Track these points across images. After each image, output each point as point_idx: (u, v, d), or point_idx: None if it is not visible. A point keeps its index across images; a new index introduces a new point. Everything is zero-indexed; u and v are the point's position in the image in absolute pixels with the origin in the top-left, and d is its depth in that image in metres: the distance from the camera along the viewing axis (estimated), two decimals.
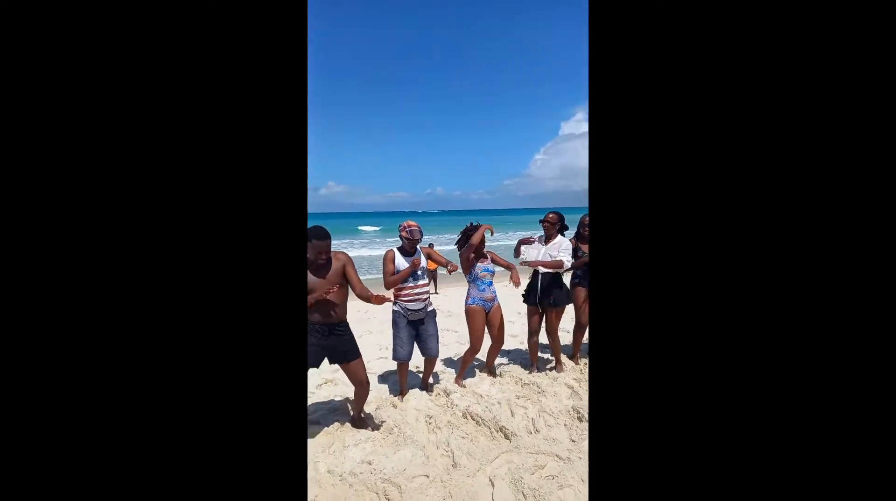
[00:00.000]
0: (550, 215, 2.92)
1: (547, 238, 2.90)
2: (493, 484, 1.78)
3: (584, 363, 3.17)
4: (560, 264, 2.80)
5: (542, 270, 2.86)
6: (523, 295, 3.00)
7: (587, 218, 3.10)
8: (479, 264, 2.77)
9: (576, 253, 3.03)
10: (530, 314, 2.99)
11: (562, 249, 2.84)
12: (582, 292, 3.11)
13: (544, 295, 2.88)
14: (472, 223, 2.85)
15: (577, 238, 3.18)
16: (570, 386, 2.71)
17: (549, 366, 3.13)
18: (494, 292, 2.82)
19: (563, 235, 2.96)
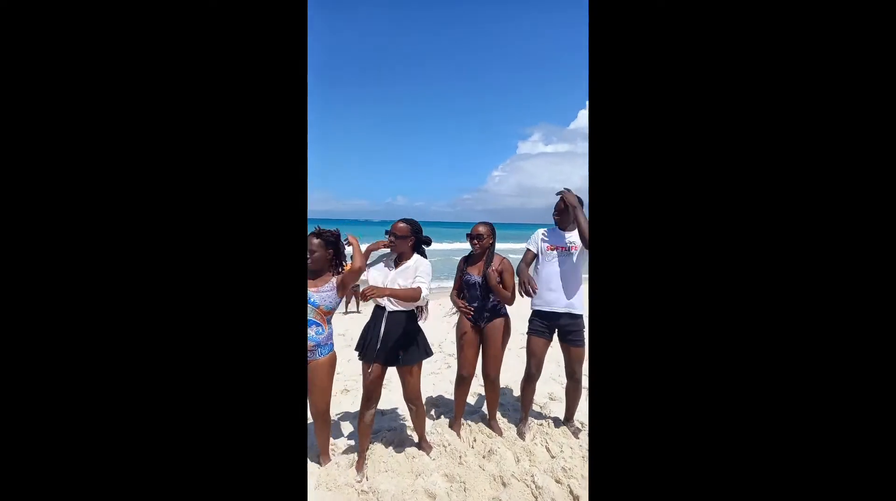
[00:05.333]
0: (400, 224, 1.97)
1: (398, 258, 2.01)
2: None
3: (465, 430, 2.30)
4: (415, 294, 1.89)
5: (387, 304, 1.99)
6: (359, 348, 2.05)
7: (479, 227, 2.26)
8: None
9: (468, 279, 2.22)
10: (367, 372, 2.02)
11: (419, 273, 1.95)
12: (472, 337, 2.27)
13: (389, 344, 1.96)
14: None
15: (467, 260, 2.30)
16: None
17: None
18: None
19: (421, 253, 2.05)
